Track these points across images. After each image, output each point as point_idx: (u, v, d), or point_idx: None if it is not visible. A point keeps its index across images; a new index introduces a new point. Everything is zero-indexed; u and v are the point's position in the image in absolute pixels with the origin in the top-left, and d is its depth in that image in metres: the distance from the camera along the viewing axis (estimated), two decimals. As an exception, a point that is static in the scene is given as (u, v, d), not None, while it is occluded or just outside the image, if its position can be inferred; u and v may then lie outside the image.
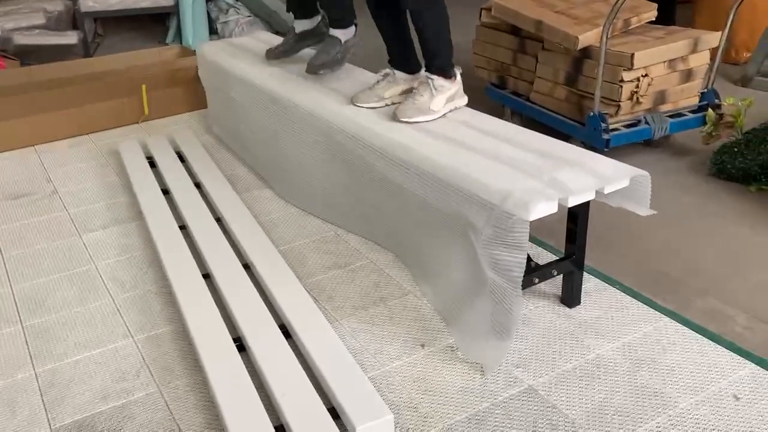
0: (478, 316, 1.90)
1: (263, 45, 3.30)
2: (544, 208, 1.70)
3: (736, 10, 3.00)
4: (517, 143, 2.08)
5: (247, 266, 2.29)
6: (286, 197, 2.80)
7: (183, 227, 2.54)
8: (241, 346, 1.91)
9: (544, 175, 1.82)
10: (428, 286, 2.16)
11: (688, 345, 1.91)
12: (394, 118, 2.27)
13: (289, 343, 1.89)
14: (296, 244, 2.50)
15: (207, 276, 2.24)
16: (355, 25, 2.76)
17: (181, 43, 5.01)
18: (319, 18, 2.92)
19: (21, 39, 4.49)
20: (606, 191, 1.81)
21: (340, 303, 2.15)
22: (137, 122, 3.71)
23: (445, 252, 2.04)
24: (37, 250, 2.51)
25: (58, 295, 2.23)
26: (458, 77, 2.36)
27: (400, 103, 2.35)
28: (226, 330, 1.94)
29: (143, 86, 3.64)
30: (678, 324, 2.01)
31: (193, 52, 4.40)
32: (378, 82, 2.44)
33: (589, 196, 1.79)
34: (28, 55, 4.56)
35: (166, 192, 2.83)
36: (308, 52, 2.93)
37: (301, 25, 2.94)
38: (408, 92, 2.39)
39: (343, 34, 2.72)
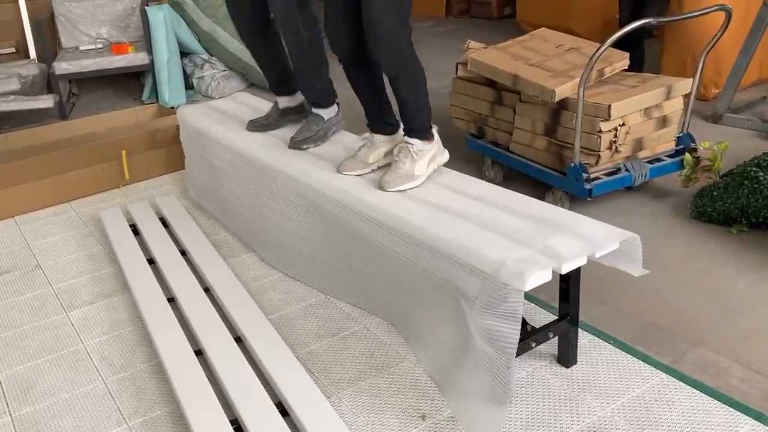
0: (472, 384, 1.89)
1: (244, 108, 3.31)
2: (539, 277, 1.71)
3: (706, 56, 3.08)
4: (504, 207, 2.10)
5: (239, 339, 2.27)
6: (272, 263, 2.78)
7: (171, 299, 2.51)
8: (239, 428, 1.88)
9: (535, 243, 1.84)
10: (422, 352, 2.15)
11: (687, 402, 1.92)
12: (381, 189, 2.28)
13: (287, 422, 1.87)
14: (287, 312, 2.48)
15: (199, 352, 2.21)
16: (337, 104, 2.82)
17: (157, 100, 5.01)
18: (301, 97, 2.96)
19: (-4, 106, 4.46)
20: (597, 256, 1.83)
21: (336, 375, 2.13)
22: (118, 187, 3.69)
23: (437, 320, 2.04)
24: (23, 331, 2.45)
25: (47, 380, 2.18)
26: (436, 136, 2.38)
27: (386, 165, 2.36)
28: (223, 412, 1.91)
29: (123, 152, 3.63)
30: (675, 380, 2.02)
31: (170, 111, 4.41)
32: (360, 148, 2.46)
33: (581, 262, 1.81)
34: (4, 122, 4.52)
35: (151, 261, 2.80)
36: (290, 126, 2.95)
37: (284, 102, 2.98)
38: (390, 153, 2.41)
39: (325, 113, 2.78)
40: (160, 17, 4.91)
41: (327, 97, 2.78)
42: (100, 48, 5.19)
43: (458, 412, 1.92)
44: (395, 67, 2.25)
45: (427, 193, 2.26)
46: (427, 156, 2.34)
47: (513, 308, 1.70)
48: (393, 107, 2.46)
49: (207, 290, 2.57)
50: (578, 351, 2.13)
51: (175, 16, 5.12)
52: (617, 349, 2.17)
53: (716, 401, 1.91)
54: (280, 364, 2.10)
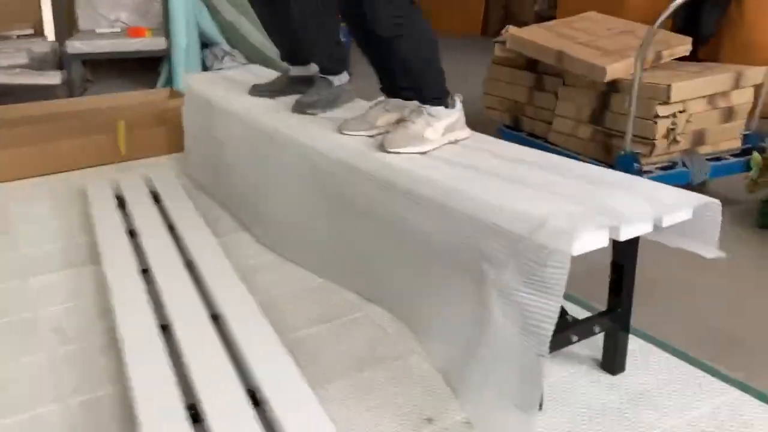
0: (493, 383, 1.50)
1: (257, 79, 2.98)
2: (592, 239, 1.32)
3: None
4: (550, 168, 1.70)
5: (216, 317, 1.89)
6: (267, 243, 2.41)
7: (146, 271, 2.16)
8: (197, 414, 1.49)
9: (588, 200, 1.45)
10: (432, 344, 1.76)
11: (771, 425, 1.49)
12: (382, 148, 1.89)
13: (258, 414, 1.48)
14: (278, 293, 2.10)
15: (166, 328, 1.84)
16: (350, 74, 2.49)
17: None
18: (316, 68, 2.64)
19: (1, 78, 4.21)
20: (665, 223, 1.43)
21: (328, 364, 1.74)
22: (113, 162, 3.37)
23: (453, 304, 1.64)
24: (-30, 295, 2.11)
25: (-17, 347, 1.82)
26: (458, 105, 2.00)
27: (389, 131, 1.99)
28: (179, 394, 1.52)
29: (120, 123, 3.32)
30: (753, 398, 1.59)
31: (184, 94, 4.12)
32: (370, 108, 2.10)
33: (645, 228, 1.41)
34: (8, 95, 4.27)
35: (134, 234, 2.45)
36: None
37: (297, 71, 2.66)
38: (403, 120, 2.04)
39: (335, 79, 2.45)
40: (181, 1, 4.66)
41: (338, 64, 2.44)
42: (117, 31, 4.96)
43: (474, 417, 1.52)
44: (389, 29, 1.88)
45: (450, 152, 1.88)
46: (444, 121, 1.95)
47: (554, 277, 1.31)
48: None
49: (189, 264, 2.21)
50: (627, 358, 1.72)
51: (198, 3, 4.88)
52: (676, 359, 1.75)
53: (809, 427, 1.49)
54: (260, 346, 1.71)
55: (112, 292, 1.99)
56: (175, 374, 1.60)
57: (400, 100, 2.11)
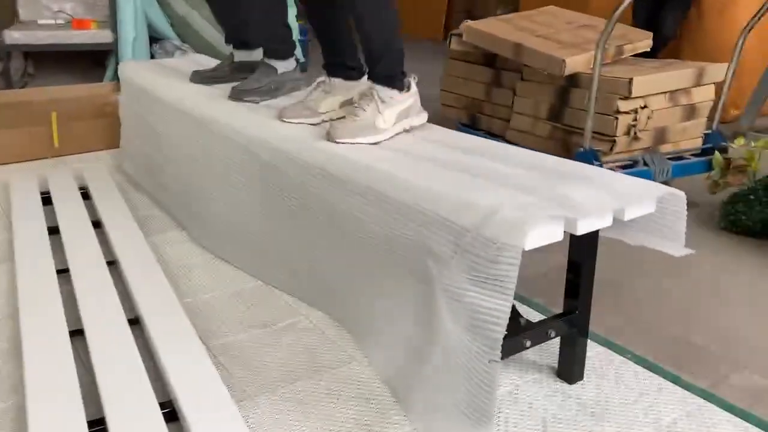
0: (441, 393, 1.35)
1: (197, 66, 2.80)
2: (546, 232, 1.18)
3: (746, 35, 2.62)
4: (506, 159, 1.56)
5: (136, 321, 1.71)
6: (203, 242, 2.24)
7: (65, 271, 1.96)
8: (102, 430, 1.31)
9: (542, 191, 1.31)
10: (376, 351, 1.60)
11: (739, 438, 1.37)
12: (329, 138, 1.73)
13: (172, 430, 1.31)
14: (210, 296, 1.92)
15: (80, 332, 1.65)
16: (297, 61, 2.33)
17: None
18: (260, 54, 2.47)
19: (-72, 68, 3.95)
20: (626, 216, 1.30)
21: (260, 374, 1.57)
22: (49, 157, 3.15)
23: (398, 303, 1.49)
24: None
25: None
26: (413, 88, 1.85)
27: (341, 119, 1.83)
28: (82, 409, 1.34)
29: (53, 114, 3.10)
30: (717, 408, 1.47)
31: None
32: (310, 93, 1.94)
33: (605, 221, 1.27)
34: (-64, 87, 4.01)
35: (56, 231, 2.25)
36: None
37: (241, 56, 2.49)
38: (349, 104, 1.89)
39: (280, 65, 2.27)
40: (129, -8, 4.45)
41: (283, 47, 2.27)
42: (61, 23, 4.72)
43: (421, 429, 1.37)
44: None
45: (402, 142, 1.73)
46: (397, 108, 1.79)
47: (504, 275, 1.17)
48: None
49: (112, 264, 2.02)
50: (586, 366, 1.59)
51: (147, -5, 4.67)
52: (636, 366, 1.63)
53: (778, 439, 1.37)
54: (180, 353, 1.54)
55: (20, 293, 1.80)
56: (81, 385, 1.43)
57: (341, 80, 1.96)
